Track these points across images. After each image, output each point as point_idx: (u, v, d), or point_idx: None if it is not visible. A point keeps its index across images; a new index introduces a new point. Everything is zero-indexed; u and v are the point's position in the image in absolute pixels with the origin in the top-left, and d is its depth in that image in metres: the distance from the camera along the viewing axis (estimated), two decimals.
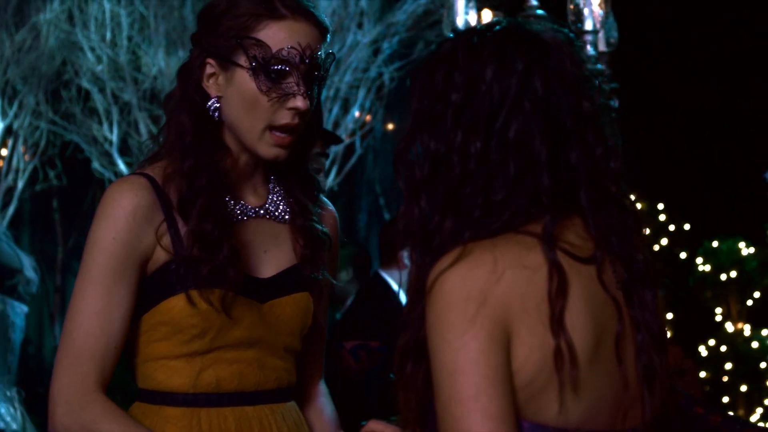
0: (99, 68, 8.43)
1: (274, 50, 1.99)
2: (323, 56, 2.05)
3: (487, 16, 4.86)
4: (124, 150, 8.55)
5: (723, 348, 8.71)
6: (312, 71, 2.03)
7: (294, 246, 2.12)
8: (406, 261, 4.24)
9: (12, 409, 4.99)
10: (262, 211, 2.10)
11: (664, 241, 9.21)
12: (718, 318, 9.07)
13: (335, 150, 8.53)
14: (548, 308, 1.45)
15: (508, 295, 1.45)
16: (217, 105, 2.04)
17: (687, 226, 9.43)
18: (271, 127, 2.02)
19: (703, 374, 8.44)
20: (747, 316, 9.01)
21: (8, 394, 5.00)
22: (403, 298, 3.99)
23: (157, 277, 2.00)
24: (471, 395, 1.41)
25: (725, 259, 8.93)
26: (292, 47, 2.00)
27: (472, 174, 1.51)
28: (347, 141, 8.77)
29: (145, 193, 2.00)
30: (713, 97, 9.53)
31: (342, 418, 2.26)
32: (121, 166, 8.39)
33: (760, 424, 8.01)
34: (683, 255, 9.37)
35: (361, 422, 1.73)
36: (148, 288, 2.00)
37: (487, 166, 1.51)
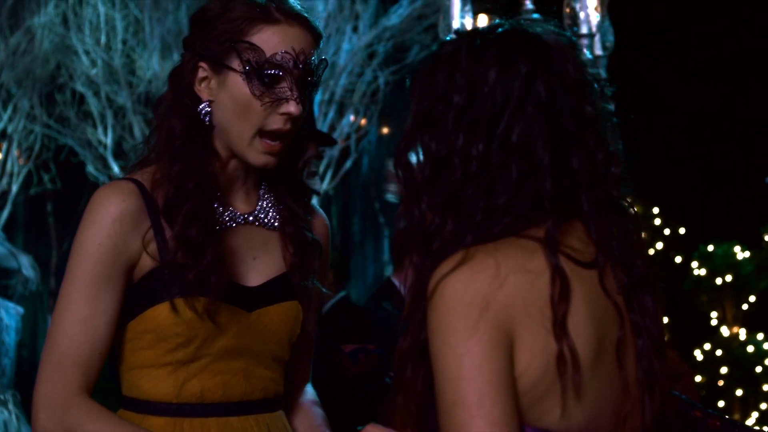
0: (93, 72, 8.43)
1: (267, 54, 1.97)
2: (316, 62, 2.04)
3: (483, 21, 4.87)
4: (119, 154, 8.54)
5: (718, 352, 8.72)
6: (305, 77, 2.01)
7: (283, 253, 2.09)
8: None
9: (6, 413, 4.97)
10: (251, 218, 2.07)
11: (659, 245, 9.23)
12: (714, 322, 9.08)
13: (330, 154, 8.53)
14: (551, 313, 1.44)
15: (510, 300, 1.44)
16: (209, 109, 2.02)
17: (682, 230, 9.44)
18: (262, 133, 1.99)
19: (698, 378, 8.45)
20: (742, 320, 9.03)
21: (2, 397, 4.98)
22: None
23: (143, 284, 1.97)
24: (474, 401, 1.40)
25: (720, 263, 8.95)
26: (285, 52, 1.98)
27: (473, 177, 1.50)
28: (342, 145, 8.77)
29: (132, 199, 1.97)
30: (713, 98, 9.54)
31: (340, 421, 2.25)
32: (116, 170, 8.39)
33: (756, 428, 8.01)
34: (678, 259, 9.38)
35: (358, 427, 1.73)
36: (134, 295, 1.97)
37: (489, 169, 1.50)
